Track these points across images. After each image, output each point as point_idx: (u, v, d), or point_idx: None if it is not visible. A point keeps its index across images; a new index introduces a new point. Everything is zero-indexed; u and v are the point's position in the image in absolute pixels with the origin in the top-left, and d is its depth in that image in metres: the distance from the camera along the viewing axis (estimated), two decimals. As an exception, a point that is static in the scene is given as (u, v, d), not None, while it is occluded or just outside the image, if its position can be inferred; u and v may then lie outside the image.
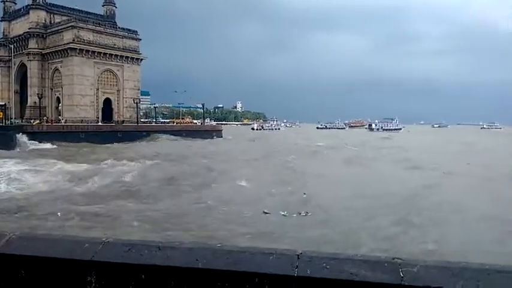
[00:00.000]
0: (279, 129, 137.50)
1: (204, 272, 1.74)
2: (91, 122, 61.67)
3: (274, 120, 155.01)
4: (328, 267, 1.68)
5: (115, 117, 69.11)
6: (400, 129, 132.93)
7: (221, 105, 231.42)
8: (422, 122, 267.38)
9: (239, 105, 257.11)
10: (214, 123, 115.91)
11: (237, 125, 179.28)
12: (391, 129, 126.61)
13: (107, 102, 68.79)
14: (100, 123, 63.24)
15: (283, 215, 15.02)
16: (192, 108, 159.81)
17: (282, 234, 12.63)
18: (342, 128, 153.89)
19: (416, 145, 56.79)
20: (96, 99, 66.78)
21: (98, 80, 66.85)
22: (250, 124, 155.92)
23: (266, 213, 15.22)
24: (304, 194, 18.78)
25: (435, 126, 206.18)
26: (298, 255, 1.74)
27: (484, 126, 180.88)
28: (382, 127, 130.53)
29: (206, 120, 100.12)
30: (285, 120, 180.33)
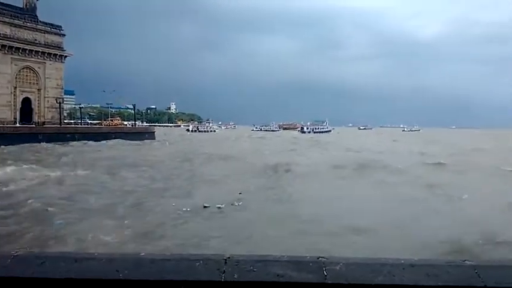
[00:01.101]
0: (214, 131, 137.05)
1: (126, 284, 1.63)
2: (7, 124, 56.35)
3: (209, 122, 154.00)
4: (255, 270, 1.68)
5: (35, 118, 63.98)
6: (330, 131, 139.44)
7: (154, 106, 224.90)
8: (350, 125, 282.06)
9: (173, 106, 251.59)
10: (146, 125, 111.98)
11: (170, 126, 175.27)
12: (322, 131, 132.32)
13: (26, 102, 63.35)
14: (18, 125, 58.13)
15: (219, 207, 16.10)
16: (122, 109, 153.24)
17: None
18: (276, 130, 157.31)
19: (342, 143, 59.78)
20: (14, 98, 61.14)
21: (16, 78, 61.32)
22: (184, 126, 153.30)
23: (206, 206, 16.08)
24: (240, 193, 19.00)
25: (361, 128, 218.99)
26: (225, 259, 1.73)
27: (405, 128, 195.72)
28: (313, 129, 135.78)
29: (137, 122, 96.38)
30: (220, 122, 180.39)
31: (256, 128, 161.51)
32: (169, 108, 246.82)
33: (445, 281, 1.65)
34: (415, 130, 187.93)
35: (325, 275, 1.65)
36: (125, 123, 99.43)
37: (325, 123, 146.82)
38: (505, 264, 1.87)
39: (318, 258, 1.76)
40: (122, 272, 1.65)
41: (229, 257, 1.75)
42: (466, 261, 1.80)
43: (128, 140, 60.92)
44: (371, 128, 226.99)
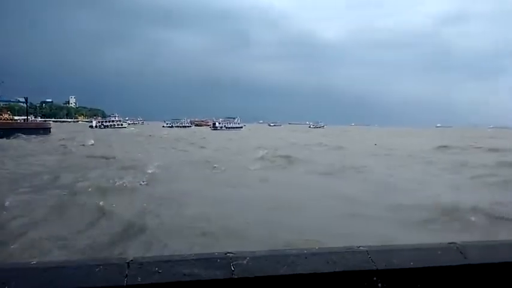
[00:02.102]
0: (123, 126, 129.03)
1: None
2: None
3: (115, 117, 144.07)
4: (160, 271, 1.64)
5: None
6: (242, 127, 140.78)
7: (50, 100, 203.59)
8: (261, 121, 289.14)
9: (72, 100, 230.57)
10: (40, 120, 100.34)
11: (69, 122, 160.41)
12: (234, 128, 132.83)
13: None
14: None
15: None
16: (12, 103, 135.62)
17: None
18: (188, 127, 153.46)
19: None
20: None
21: None
22: (84, 121, 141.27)
23: None
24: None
25: (271, 125, 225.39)
26: (128, 262, 1.67)
27: (311, 125, 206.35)
28: (225, 126, 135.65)
29: (30, 117, 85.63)
30: (126, 118, 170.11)
31: (168, 124, 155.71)
32: (68, 102, 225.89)
33: (342, 267, 1.78)
34: (320, 127, 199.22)
35: (233, 270, 1.67)
36: (16, 118, 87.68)
37: (236, 120, 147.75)
38: (393, 249, 2.04)
39: (226, 254, 1.76)
40: (9, 284, 1.48)
41: (132, 260, 1.68)
42: (360, 247, 1.92)
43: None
44: (280, 125, 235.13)
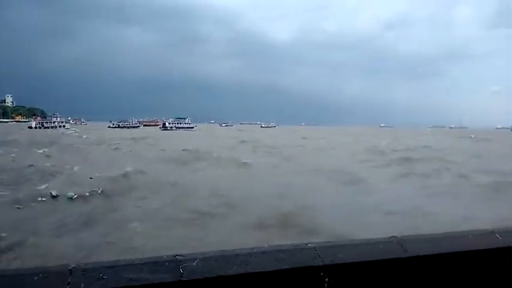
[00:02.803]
0: (64, 126, 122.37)
1: None
2: None
3: (56, 117, 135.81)
4: (105, 277, 1.59)
5: None
6: (193, 127, 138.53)
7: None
8: (212, 121, 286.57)
9: (9, 99, 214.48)
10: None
11: (6, 122, 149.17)
12: (184, 128, 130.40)
13: None
14: None
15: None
16: None
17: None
18: (136, 127, 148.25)
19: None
20: None
21: None
22: (25, 122, 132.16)
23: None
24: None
25: (223, 125, 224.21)
26: (70, 270, 1.61)
27: (263, 125, 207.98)
28: (175, 126, 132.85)
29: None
30: (69, 118, 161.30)
31: (114, 124, 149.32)
32: (5, 101, 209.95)
33: (291, 264, 1.81)
34: (271, 126, 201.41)
35: (182, 273, 1.66)
36: None
37: (187, 120, 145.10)
38: (340, 244, 2.10)
39: (175, 257, 1.75)
40: None
41: (74, 267, 1.61)
42: (308, 244, 1.98)
43: None
44: (232, 125, 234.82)
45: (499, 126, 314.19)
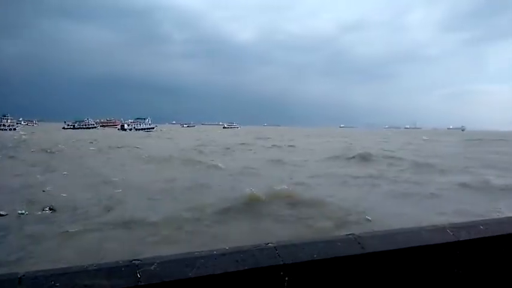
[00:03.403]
0: (15, 129, 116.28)
1: None
2: None
3: (7, 119, 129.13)
4: (57, 284, 1.55)
5: None
6: (153, 128, 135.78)
7: None
8: (174, 122, 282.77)
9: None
10: None
11: None
12: (144, 129, 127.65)
13: None
14: None
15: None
16: None
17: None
18: (92, 128, 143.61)
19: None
20: None
21: None
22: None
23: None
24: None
25: (185, 126, 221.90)
26: (19, 278, 1.56)
27: (225, 125, 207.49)
28: (135, 127, 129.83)
29: None
30: (20, 119, 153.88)
31: (69, 125, 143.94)
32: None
33: (251, 264, 1.84)
34: (234, 127, 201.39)
35: (139, 278, 1.63)
36: None
37: (147, 120, 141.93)
38: (299, 243, 2.12)
39: (132, 261, 1.72)
40: None
41: (24, 275, 1.57)
42: (269, 244, 2.01)
43: None
44: (194, 126, 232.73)
45: (451, 127, 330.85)
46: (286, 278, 1.90)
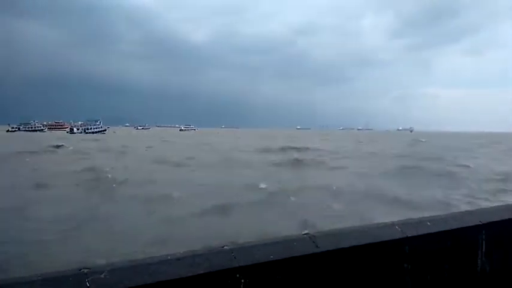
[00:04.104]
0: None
1: None
2: None
3: None
4: None
5: None
6: (105, 130, 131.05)
7: None
8: (127, 124, 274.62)
9: None
10: None
11: None
12: (95, 132, 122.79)
13: None
14: None
15: None
16: None
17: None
18: (39, 130, 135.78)
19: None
20: None
21: None
22: None
23: None
24: None
25: (139, 128, 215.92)
26: None
27: (182, 128, 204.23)
28: (85, 130, 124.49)
29: None
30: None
31: (13, 127, 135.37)
32: None
33: (206, 268, 1.82)
34: (190, 129, 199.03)
35: (88, 286, 1.58)
36: None
37: (99, 123, 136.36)
38: (256, 244, 2.12)
39: (80, 270, 1.66)
40: None
41: None
42: (224, 247, 1.99)
43: None
44: (149, 128, 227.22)
45: (400, 128, 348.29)
46: (243, 280, 1.89)
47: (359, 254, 2.39)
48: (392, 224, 2.71)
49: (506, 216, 3.36)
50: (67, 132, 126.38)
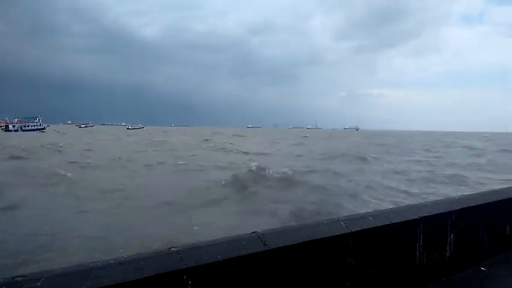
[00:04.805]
0: None
1: None
2: None
3: None
4: None
5: None
6: (44, 128, 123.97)
7: None
8: (69, 122, 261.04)
9: None
10: None
11: None
12: (34, 130, 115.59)
13: None
14: None
15: None
16: None
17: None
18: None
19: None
20: None
21: None
22: None
23: None
24: None
25: (82, 126, 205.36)
26: None
27: (129, 126, 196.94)
28: (21, 127, 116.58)
29: None
30: None
31: None
32: None
33: (151, 271, 1.78)
34: (139, 128, 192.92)
35: None
36: None
37: (37, 120, 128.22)
38: (204, 245, 2.10)
39: (14, 278, 1.58)
40: None
41: None
42: (171, 249, 1.98)
43: None
44: (93, 126, 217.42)
45: (347, 127, 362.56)
46: (190, 282, 1.88)
47: (306, 250, 2.44)
48: (338, 220, 2.81)
49: (440, 210, 3.57)
50: (2, 129, 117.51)
